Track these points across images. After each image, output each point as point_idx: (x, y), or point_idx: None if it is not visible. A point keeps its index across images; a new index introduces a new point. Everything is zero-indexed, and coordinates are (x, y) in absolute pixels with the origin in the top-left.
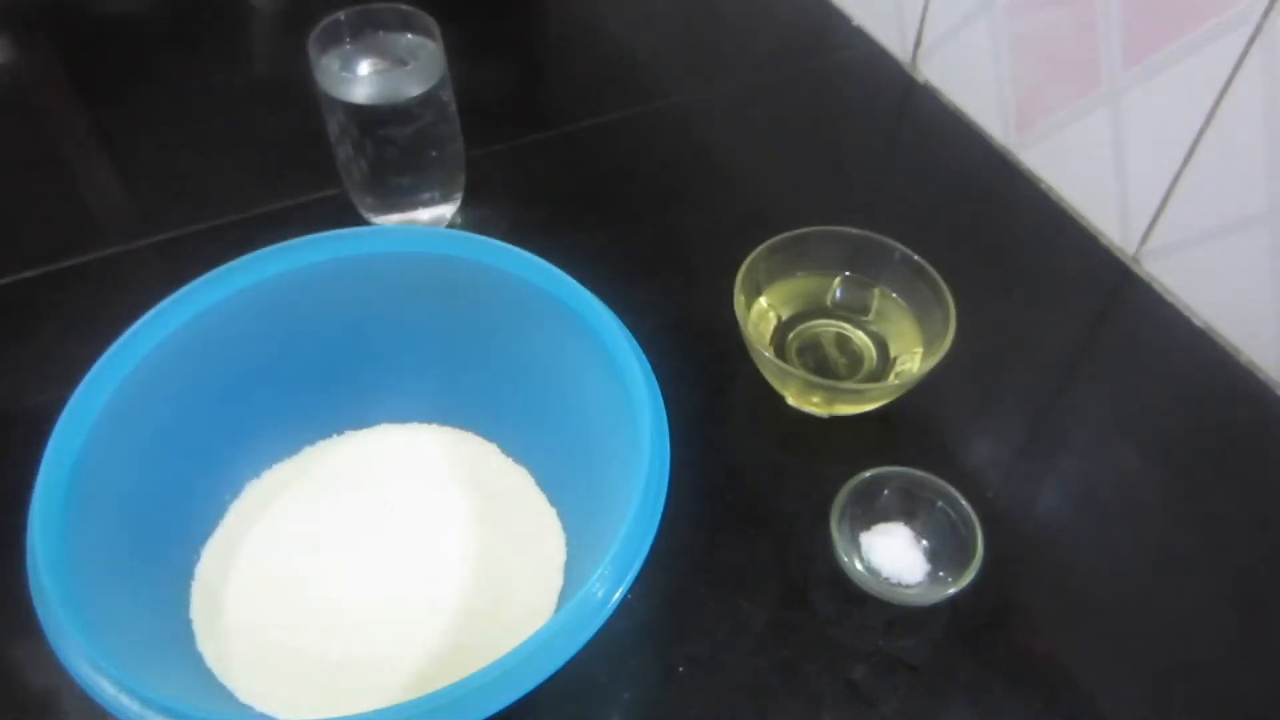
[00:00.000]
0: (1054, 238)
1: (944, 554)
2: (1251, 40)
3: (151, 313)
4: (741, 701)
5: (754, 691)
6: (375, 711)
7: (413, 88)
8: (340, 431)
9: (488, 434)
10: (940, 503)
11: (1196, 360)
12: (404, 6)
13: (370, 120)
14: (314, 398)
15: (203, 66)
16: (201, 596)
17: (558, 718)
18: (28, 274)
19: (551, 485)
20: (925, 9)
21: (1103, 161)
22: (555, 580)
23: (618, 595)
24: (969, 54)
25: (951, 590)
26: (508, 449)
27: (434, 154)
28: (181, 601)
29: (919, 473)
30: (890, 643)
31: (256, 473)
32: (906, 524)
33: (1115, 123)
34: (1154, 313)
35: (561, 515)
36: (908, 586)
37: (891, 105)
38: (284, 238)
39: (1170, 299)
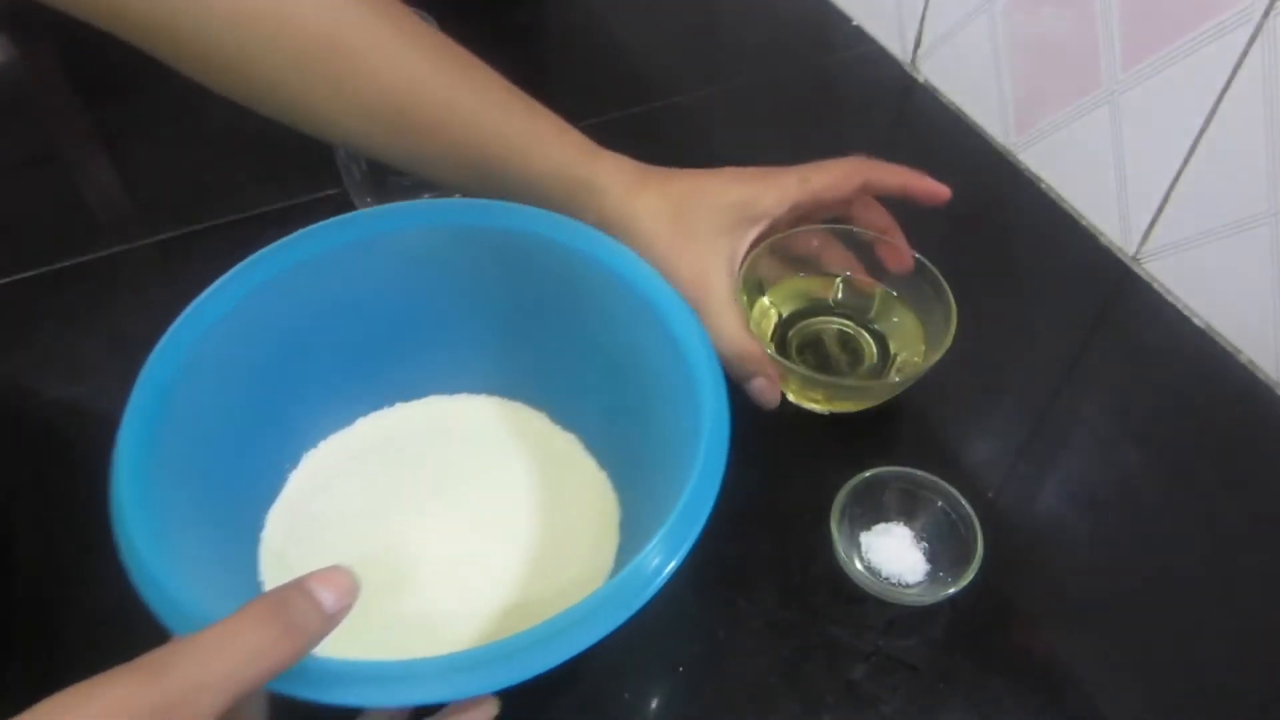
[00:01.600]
0: (1054, 238)
1: (944, 554)
2: (1251, 40)
3: (214, 286)
4: (741, 701)
5: (754, 691)
6: (411, 660)
7: None
8: (391, 403)
9: (535, 402)
10: (940, 503)
11: (1196, 360)
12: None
13: None
14: (368, 370)
15: None
16: (269, 558)
17: (556, 713)
18: (28, 274)
19: (601, 449)
20: (925, 9)
21: (1103, 161)
22: (611, 539)
23: (672, 566)
24: (969, 54)
25: (951, 590)
26: (556, 416)
27: None
28: (251, 565)
29: (919, 473)
30: (890, 643)
31: (313, 443)
32: (906, 524)
33: (1115, 123)
34: (1154, 313)
35: (612, 477)
36: (908, 586)
37: (891, 105)
38: (284, 238)
39: (1170, 299)
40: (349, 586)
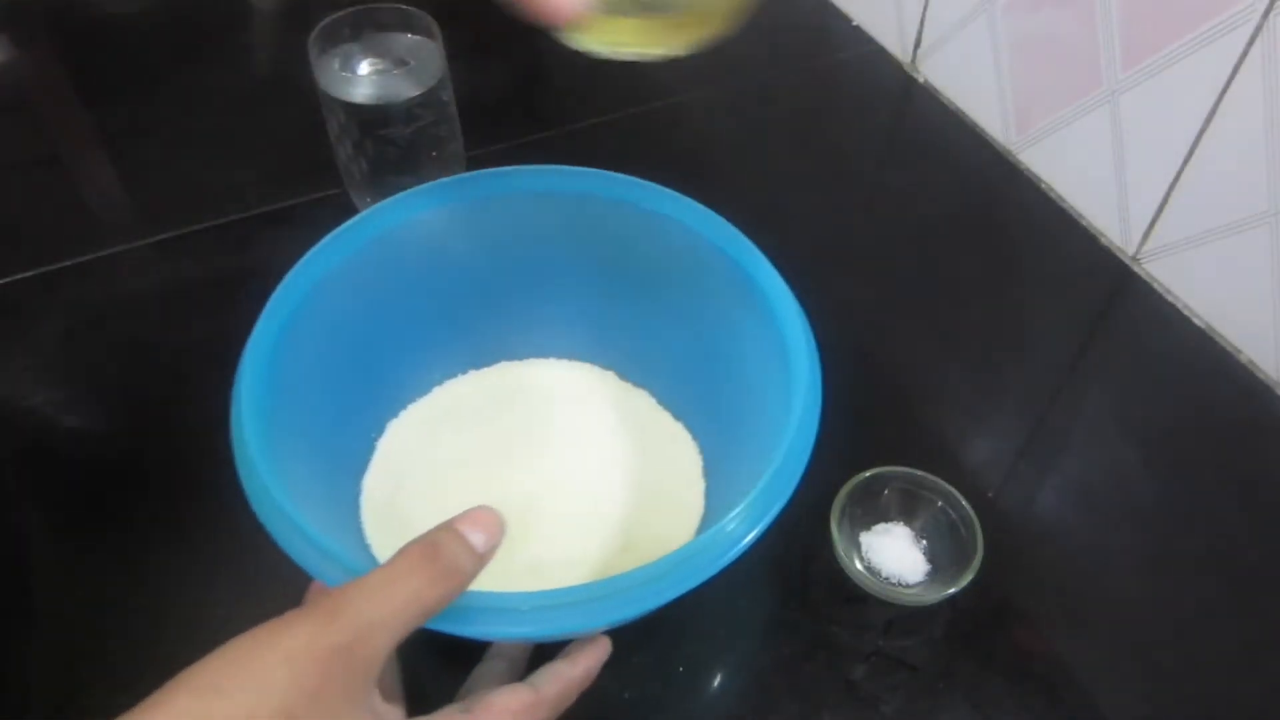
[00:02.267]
0: (1054, 238)
1: (944, 554)
2: (1251, 40)
3: (312, 250)
4: (741, 701)
5: (754, 691)
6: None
7: (413, 88)
8: (464, 370)
9: (603, 362)
10: (940, 503)
11: (1196, 360)
12: (404, 6)
13: (370, 120)
14: (443, 337)
15: (203, 66)
16: (372, 520)
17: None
18: (28, 274)
19: (675, 403)
20: (925, 9)
21: (1103, 161)
22: (698, 485)
23: (753, 535)
24: (969, 54)
25: (951, 590)
26: (625, 374)
27: (434, 154)
28: (354, 527)
29: (919, 473)
30: (890, 643)
31: (394, 413)
32: (906, 524)
33: (1115, 123)
34: (1154, 313)
35: (690, 427)
36: (908, 586)
37: (891, 105)
38: (284, 237)
39: (1170, 299)
40: (496, 526)
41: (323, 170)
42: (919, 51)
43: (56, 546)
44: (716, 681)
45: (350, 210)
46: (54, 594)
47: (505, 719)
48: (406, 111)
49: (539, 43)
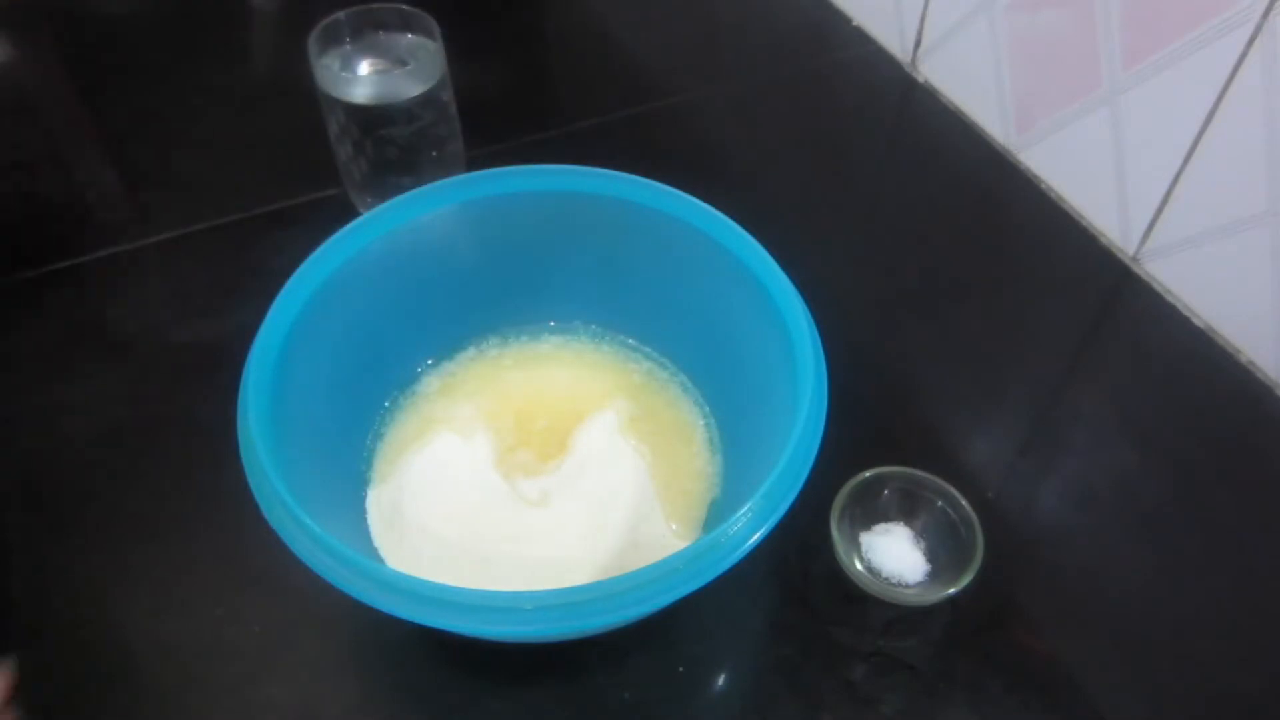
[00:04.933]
0: (1054, 238)
1: (944, 554)
2: (1251, 40)
3: (317, 252)
4: (741, 701)
5: (754, 691)
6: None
7: (412, 88)
8: (468, 371)
9: (611, 362)
10: (940, 503)
11: (1196, 360)
12: (404, 6)
13: (370, 120)
14: (449, 337)
15: (203, 66)
16: (378, 520)
17: (556, 714)
18: (28, 274)
19: (684, 403)
20: (925, 9)
21: (1103, 161)
22: (704, 489)
23: (756, 538)
24: (969, 54)
25: (951, 590)
26: (634, 375)
27: (434, 154)
28: (364, 531)
29: (919, 473)
30: (890, 643)
31: (397, 413)
32: (906, 524)
33: (1115, 123)
34: (1154, 313)
35: (697, 428)
36: (907, 586)
37: (891, 105)
38: (284, 238)
39: (1170, 299)
40: None
41: (322, 170)
42: (919, 51)
43: (57, 547)
44: (717, 682)
45: (350, 210)
46: (54, 594)
47: None
48: (407, 111)
49: (539, 43)
